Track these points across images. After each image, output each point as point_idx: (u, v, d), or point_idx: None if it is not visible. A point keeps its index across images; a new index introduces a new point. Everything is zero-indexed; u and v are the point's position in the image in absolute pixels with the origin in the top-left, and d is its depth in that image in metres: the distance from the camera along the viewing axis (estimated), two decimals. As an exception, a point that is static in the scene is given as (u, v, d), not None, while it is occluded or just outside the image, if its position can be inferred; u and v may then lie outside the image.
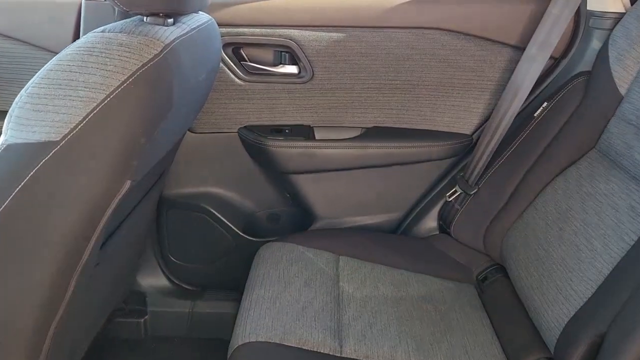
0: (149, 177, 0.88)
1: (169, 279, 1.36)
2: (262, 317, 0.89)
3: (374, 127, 1.22)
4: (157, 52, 0.66)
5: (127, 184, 0.68)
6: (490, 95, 1.17)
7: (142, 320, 1.34)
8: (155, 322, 1.35)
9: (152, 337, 1.35)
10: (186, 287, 1.37)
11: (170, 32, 0.71)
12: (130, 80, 0.63)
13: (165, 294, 1.36)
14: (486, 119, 1.19)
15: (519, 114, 1.08)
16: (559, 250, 0.90)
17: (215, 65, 0.93)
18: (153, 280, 1.35)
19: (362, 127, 1.22)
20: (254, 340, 0.85)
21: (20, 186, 0.62)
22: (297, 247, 1.09)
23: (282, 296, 0.94)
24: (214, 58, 0.90)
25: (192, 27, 0.78)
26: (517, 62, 1.11)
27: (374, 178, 1.24)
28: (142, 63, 0.64)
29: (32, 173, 0.62)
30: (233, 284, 1.31)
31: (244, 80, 1.17)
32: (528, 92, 1.06)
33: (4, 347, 0.68)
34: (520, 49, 1.11)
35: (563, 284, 0.86)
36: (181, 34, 0.72)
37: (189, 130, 1.22)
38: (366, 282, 1.03)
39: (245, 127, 1.22)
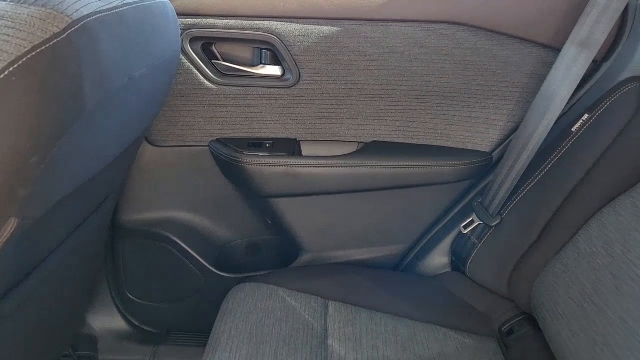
0: (73, 208, 0.67)
1: (126, 320, 1.14)
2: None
3: (374, 142, 1.01)
4: (59, 31, 0.45)
5: (13, 222, 0.46)
6: (515, 105, 0.96)
7: None
8: (108, 372, 1.13)
9: None
10: (147, 329, 1.15)
11: (85, 5, 0.49)
12: (12, 69, 0.42)
13: (121, 338, 1.13)
14: (510, 134, 0.98)
15: (552, 128, 0.87)
16: (615, 307, 0.69)
17: (167, 58, 0.72)
18: (107, 321, 1.13)
19: (359, 142, 1.01)
20: None
21: None
22: (277, 290, 0.88)
23: (253, 362, 0.73)
24: (163, 48, 0.69)
25: (126, 1, 0.57)
26: (550, 65, 0.91)
27: (373, 204, 1.03)
28: (32, 45, 0.43)
29: None
30: (203, 327, 1.09)
31: (216, 84, 0.96)
32: (565, 102, 0.86)
33: None
34: (554, 49, 0.90)
35: (626, 355, 0.64)
36: (102, 8, 0.51)
37: (148, 142, 1.01)
38: (362, 339, 0.81)
39: (217, 140, 1.00)
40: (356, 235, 1.06)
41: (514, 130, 0.98)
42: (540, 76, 0.93)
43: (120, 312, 1.13)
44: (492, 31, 0.91)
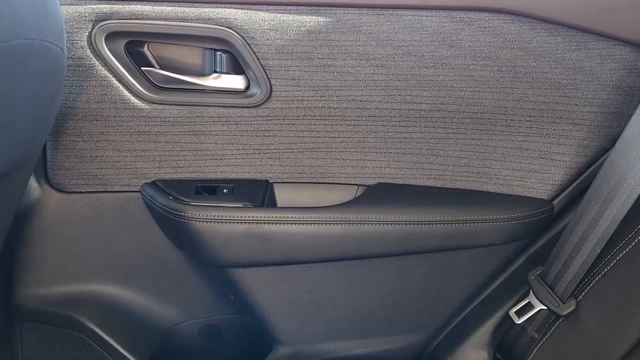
0: None
1: None
2: None
3: (380, 184, 0.70)
4: None
5: None
6: (588, 132, 0.66)
7: None
8: None
9: None
10: None
11: None
12: None
13: None
14: (579, 174, 0.68)
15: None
16: None
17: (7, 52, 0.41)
18: None
19: (359, 185, 0.70)
20: None
21: None
22: None
23: None
24: None
25: None
26: (643, 71, 0.62)
27: (378, 275, 0.72)
28: None
29: None
30: None
31: (149, 101, 0.66)
32: None
33: None
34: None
35: None
36: None
37: (52, 187, 0.70)
38: None
39: (152, 182, 0.70)
40: (355, 321, 0.75)
41: (585, 168, 0.67)
42: (628, 89, 0.63)
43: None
44: (555, 23, 0.61)
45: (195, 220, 0.66)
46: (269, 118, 0.66)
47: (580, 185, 0.68)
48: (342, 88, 0.64)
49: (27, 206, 0.70)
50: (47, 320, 0.75)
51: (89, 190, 0.70)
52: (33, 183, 0.70)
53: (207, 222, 0.66)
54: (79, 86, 0.64)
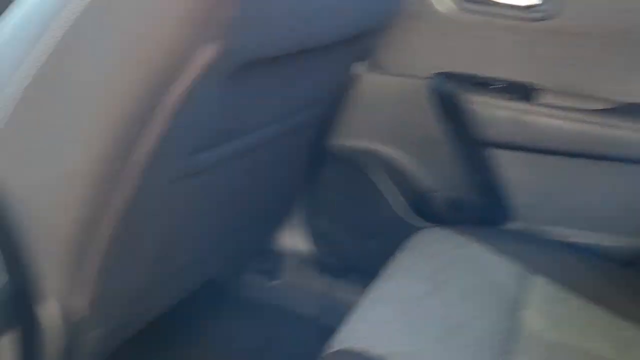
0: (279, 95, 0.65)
1: (313, 245, 1.12)
2: (384, 320, 0.59)
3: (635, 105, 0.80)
4: None
5: (207, 52, 0.44)
6: None
7: (273, 283, 1.14)
8: (284, 291, 1.14)
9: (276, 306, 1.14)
10: (329, 260, 1.12)
11: None
12: None
13: (304, 262, 1.13)
14: None
15: None
16: None
17: None
18: (295, 242, 1.13)
19: (617, 102, 0.81)
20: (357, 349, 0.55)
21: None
22: (472, 243, 0.76)
23: (425, 303, 0.63)
24: None
25: None
26: None
27: (618, 177, 0.83)
28: None
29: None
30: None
31: (453, 9, 0.86)
32: None
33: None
34: None
35: None
36: None
37: (369, 68, 0.96)
38: (565, 323, 0.64)
39: (441, 73, 0.90)
40: (586, 214, 0.86)
41: None
42: None
43: (309, 236, 1.13)
44: None
45: (472, 103, 0.85)
46: (551, 33, 0.81)
47: None
48: (625, 11, 0.75)
49: (350, 79, 0.98)
50: (344, 164, 1.02)
51: (393, 73, 0.93)
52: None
53: (479, 105, 0.84)
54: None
